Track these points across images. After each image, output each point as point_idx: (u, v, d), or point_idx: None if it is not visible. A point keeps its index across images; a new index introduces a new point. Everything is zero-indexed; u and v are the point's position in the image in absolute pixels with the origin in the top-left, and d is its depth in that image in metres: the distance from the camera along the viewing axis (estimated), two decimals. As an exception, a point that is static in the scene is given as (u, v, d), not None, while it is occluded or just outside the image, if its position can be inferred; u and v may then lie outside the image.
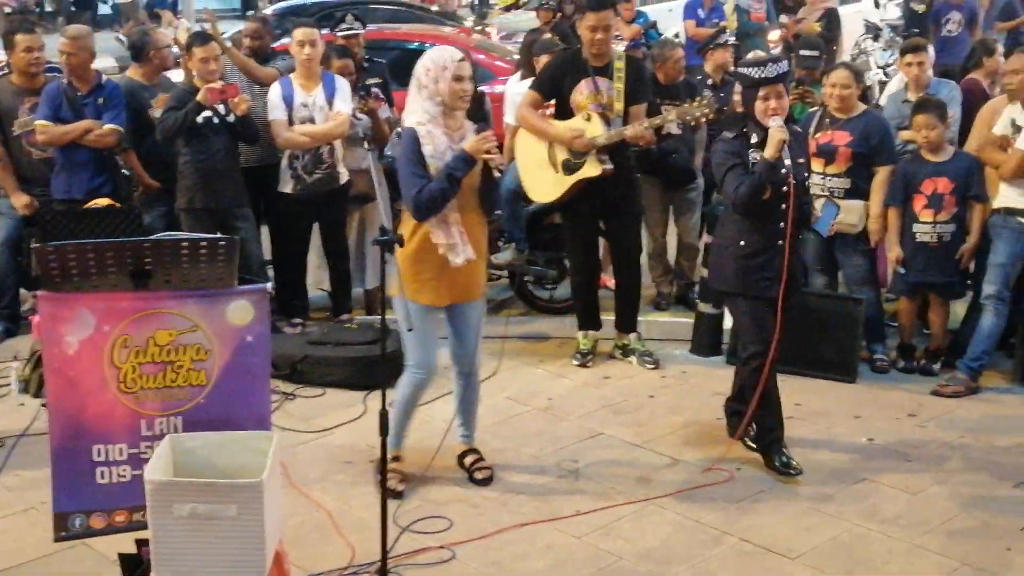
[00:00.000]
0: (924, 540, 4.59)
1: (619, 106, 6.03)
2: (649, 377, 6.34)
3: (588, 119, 6.02)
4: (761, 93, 4.86)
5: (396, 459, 4.97)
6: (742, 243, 5.02)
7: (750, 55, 8.78)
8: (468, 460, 5.13)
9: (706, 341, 6.67)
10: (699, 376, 6.36)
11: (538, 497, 4.94)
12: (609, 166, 6.01)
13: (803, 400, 5.76)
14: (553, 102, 6.23)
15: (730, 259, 5.09)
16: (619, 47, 6.86)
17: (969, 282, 6.41)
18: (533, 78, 6.55)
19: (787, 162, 4.85)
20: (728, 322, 6.59)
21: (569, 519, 4.75)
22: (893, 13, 15.62)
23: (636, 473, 5.18)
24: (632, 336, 6.56)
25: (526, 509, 4.83)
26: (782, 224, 4.93)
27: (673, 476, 5.15)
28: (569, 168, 6.09)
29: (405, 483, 4.97)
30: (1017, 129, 5.93)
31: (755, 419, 5.16)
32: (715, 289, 5.42)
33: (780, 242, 4.95)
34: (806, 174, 5.12)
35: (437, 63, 4.63)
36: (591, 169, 6.02)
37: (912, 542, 4.57)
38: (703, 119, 6.08)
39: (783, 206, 4.90)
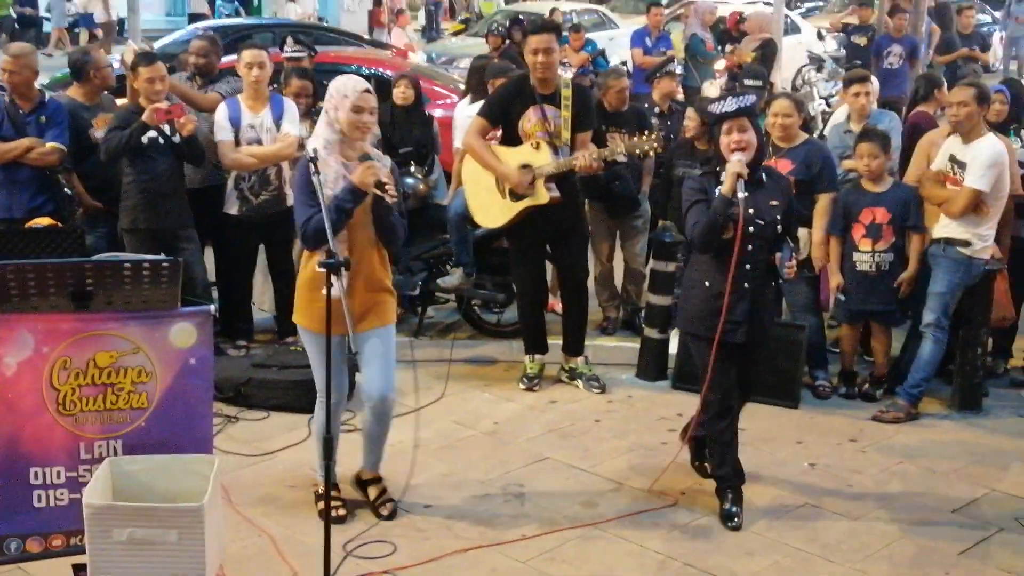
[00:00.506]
0: (865, 565, 4.64)
1: (566, 134, 6.07)
2: (595, 401, 6.36)
3: (536, 147, 6.05)
4: (724, 127, 4.79)
5: (336, 487, 4.90)
6: (707, 284, 4.88)
7: (706, 87, 8.93)
8: (372, 492, 5.00)
9: (652, 366, 6.71)
10: (645, 400, 6.39)
11: (483, 521, 4.93)
12: (556, 194, 6.04)
13: (746, 425, 5.79)
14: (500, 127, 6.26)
15: (695, 300, 4.96)
16: (567, 74, 6.91)
17: (909, 312, 6.51)
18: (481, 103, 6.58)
19: (740, 195, 4.68)
20: (674, 347, 6.65)
21: (514, 543, 4.74)
22: (834, 46, 15.95)
23: (581, 497, 5.19)
24: (579, 360, 6.59)
25: (471, 533, 4.82)
26: (748, 266, 4.81)
27: (618, 501, 5.16)
28: (516, 195, 6.12)
29: (346, 509, 4.91)
30: (958, 164, 6.02)
31: (713, 462, 5.14)
32: (680, 329, 5.35)
33: (747, 284, 4.83)
34: (779, 216, 4.86)
35: (340, 91, 4.59)
36: (539, 197, 6.05)
37: (853, 567, 4.62)
38: (651, 152, 6.12)
39: (749, 247, 4.77)
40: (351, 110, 4.55)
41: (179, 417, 4.43)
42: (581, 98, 6.15)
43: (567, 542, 4.77)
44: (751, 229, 4.76)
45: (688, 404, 6.26)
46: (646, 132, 6.13)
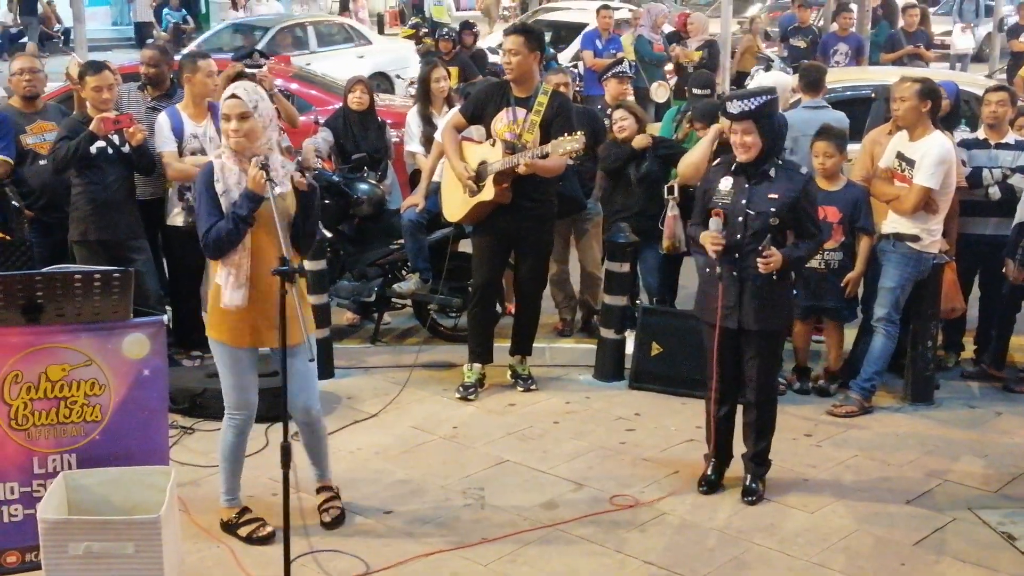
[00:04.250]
0: (823, 557, 4.69)
1: (529, 137, 6.07)
2: (553, 403, 6.38)
3: (493, 145, 6.13)
4: (731, 125, 5.01)
5: (246, 510, 4.83)
6: (707, 270, 5.16)
7: (653, 88, 8.98)
8: (319, 499, 4.96)
9: (609, 366, 6.74)
10: (602, 401, 6.42)
11: (444, 526, 4.93)
12: (506, 193, 6.05)
13: (703, 423, 5.84)
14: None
15: (700, 286, 5.31)
16: (557, 78, 7.00)
17: (860, 307, 6.60)
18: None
19: (723, 188, 4.98)
20: (631, 347, 6.68)
21: (475, 547, 4.74)
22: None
23: (541, 499, 5.20)
24: (517, 358, 6.59)
25: (432, 538, 4.81)
26: (737, 255, 4.97)
27: (578, 501, 5.18)
28: (472, 191, 6.16)
29: (267, 528, 4.77)
30: (906, 161, 6.11)
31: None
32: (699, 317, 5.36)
33: (735, 272, 4.98)
34: (774, 209, 4.93)
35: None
36: (486, 194, 6.09)
37: (811, 560, 4.68)
38: (574, 152, 6.13)
39: (738, 236, 4.94)
40: (222, 117, 4.54)
41: (134, 429, 4.39)
42: (557, 105, 6.16)
43: (528, 544, 4.79)
44: (740, 219, 4.91)
45: (646, 404, 6.33)
46: (568, 133, 6.08)
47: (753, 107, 4.87)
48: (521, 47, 6.12)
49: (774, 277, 4.98)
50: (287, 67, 10.56)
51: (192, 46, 15.01)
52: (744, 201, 4.96)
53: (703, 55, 11.97)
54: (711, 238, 4.93)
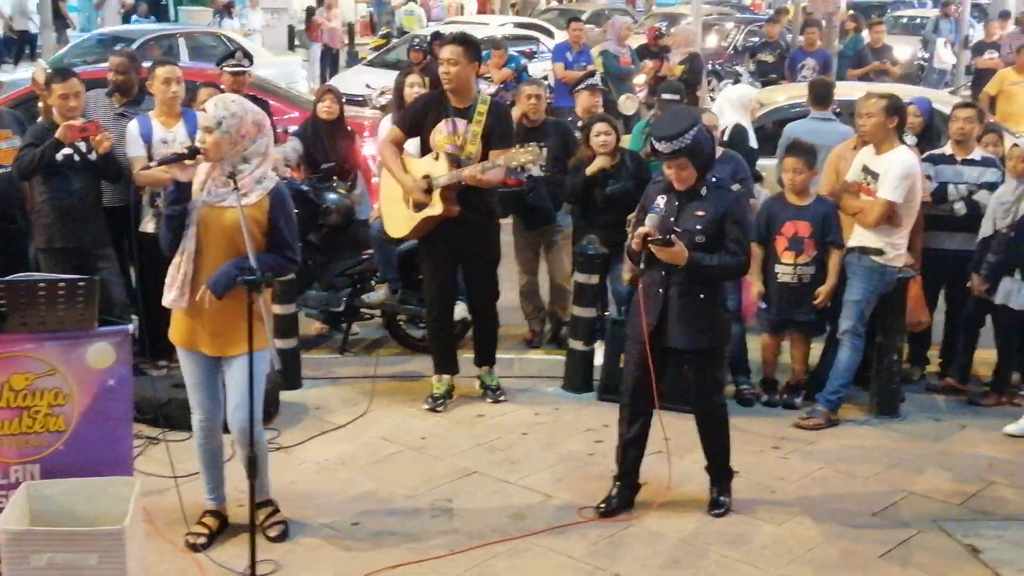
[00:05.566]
0: (789, 570, 4.71)
1: (472, 148, 6.05)
2: (522, 414, 6.37)
3: (436, 159, 6.06)
4: (664, 162, 4.96)
5: (213, 514, 4.84)
6: (640, 286, 5.08)
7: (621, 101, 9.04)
8: (261, 515, 4.85)
9: (578, 378, 6.74)
10: (571, 412, 6.42)
11: (412, 537, 4.91)
12: (454, 207, 6.02)
13: (671, 435, 5.86)
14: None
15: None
16: (488, 88, 6.95)
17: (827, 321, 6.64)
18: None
19: (648, 225, 4.87)
20: (599, 359, 6.69)
21: (443, 559, 4.72)
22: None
23: (510, 511, 5.19)
24: (484, 369, 6.58)
25: (399, 550, 4.79)
26: (663, 272, 4.94)
27: (546, 513, 5.18)
28: (418, 206, 6.12)
29: (206, 536, 4.75)
30: (871, 174, 6.17)
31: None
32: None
33: (661, 290, 4.96)
34: (700, 227, 4.91)
35: None
36: (434, 208, 6.05)
37: (778, 571, 4.70)
38: (528, 164, 6.13)
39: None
40: None
41: (98, 439, 4.35)
42: (496, 115, 6.13)
43: (496, 556, 4.77)
44: (668, 237, 4.84)
45: (614, 415, 6.28)
46: (521, 145, 6.04)
47: (685, 144, 4.80)
48: (460, 57, 6.04)
49: (701, 296, 4.96)
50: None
51: (46, 59, 14.15)
52: (672, 219, 4.94)
53: (684, 69, 11.99)
54: (644, 230, 4.84)
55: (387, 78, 11.94)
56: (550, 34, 19.57)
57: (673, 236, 4.82)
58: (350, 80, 14.94)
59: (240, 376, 4.51)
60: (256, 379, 4.48)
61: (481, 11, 30.15)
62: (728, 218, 4.95)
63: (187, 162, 4.44)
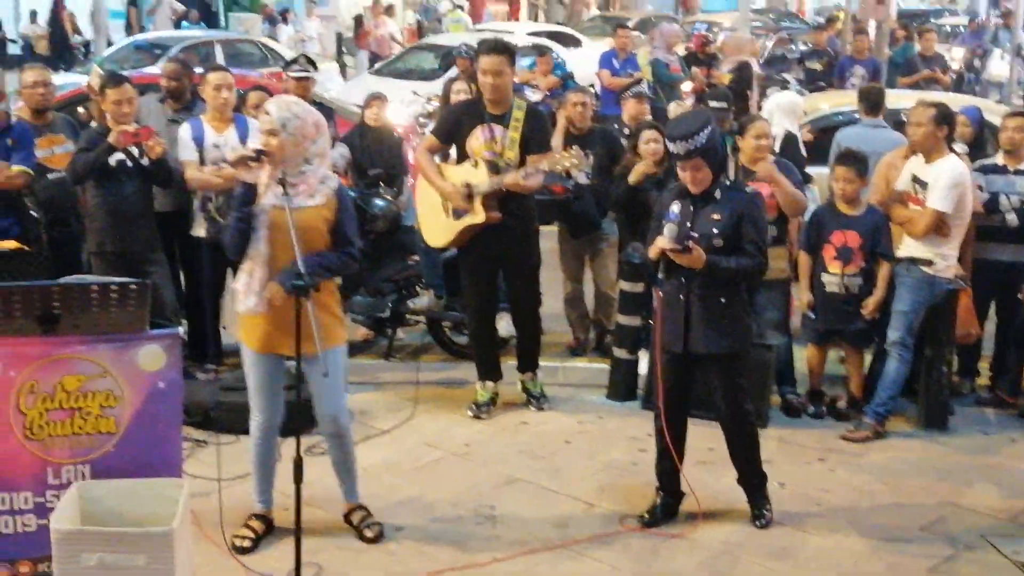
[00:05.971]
0: (834, 582, 4.68)
1: (511, 155, 6.05)
2: (566, 422, 6.37)
3: (476, 166, 6.07)
4: (678, 163, 4.92)
5: (260, 517, 4.91)
6: (660, 295, 5.05)
7: (672, 108, 8.98)
8: (355, 518, 4.98)
9: (622, 386, 6.72)
10: (615, 421, 6.40)
11: (455, 544, 4.92)
12: (495, 214, 6.03)
13: (716, 445, 5.82)
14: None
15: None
16: (534, 96, 6.95)
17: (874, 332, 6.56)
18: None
19: (667, 236, 4.81)
20: (644, 368, 6.67)
21: (486, 566, 4.73)
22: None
23: (553, 519, 5.19)
24: (527, 375, 6.58)
25: (442, 556, 4.80)
26: (683, 279, 4.92)
27: (589, 521, 5.17)
28: (458, 214, 6.14)
29: (252, 540, 4.84)
30: (920, 184, 6.10)
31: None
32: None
33: (681, 297, 4.94)
34: (716, 231, 4.89)
35: None
36: (476, 216, 6.06)
37: (823, 585, 4.66)
38: (573, 169, 6.11)
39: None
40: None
41: (148, 441, 4.39)
42: (533, 120, 6.13)
43: (539, 564, 4.77)
44: (686, 243, 4.80)
45: (658, 424, 6.30)
46: (569, 150, 6.06)
47: (699, 144, 4.77)
48: (505, 66, 6.04)
49: (722, 300, 4.93)
50: (279, 82, 10.55)
51: (93, 64, 14.39)
52: (689, 224, 4.90)
53: (733, 78, 11.90)
54: (663, 242, 4.82)
55: (392, 87, 11.93)
56: (578, 43, 19.41)
57: (690, 242, 4.81)
58: (355, 89, 14.89)
59: (318, 377, 4.56)
60: (338, 373, 4.66)
61: (514, 18, 30.06)
62: (744, 219, 4.93)
63: (252, 164, 4.50)
